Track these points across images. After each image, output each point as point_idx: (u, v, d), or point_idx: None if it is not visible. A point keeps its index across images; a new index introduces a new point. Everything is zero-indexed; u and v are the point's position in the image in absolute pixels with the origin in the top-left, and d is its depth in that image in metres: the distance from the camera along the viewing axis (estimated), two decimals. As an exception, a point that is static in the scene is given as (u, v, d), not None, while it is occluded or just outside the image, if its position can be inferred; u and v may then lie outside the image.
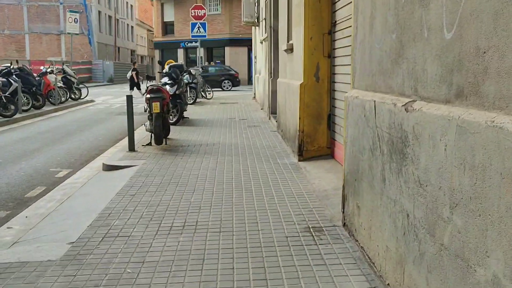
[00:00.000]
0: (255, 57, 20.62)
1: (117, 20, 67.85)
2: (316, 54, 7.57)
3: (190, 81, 19.17)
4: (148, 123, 9.40)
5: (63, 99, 19.76)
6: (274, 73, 13.08)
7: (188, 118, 14.11)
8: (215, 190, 6.14)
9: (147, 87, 9.87)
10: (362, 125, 3.94)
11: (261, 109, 16.53)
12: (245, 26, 38.91)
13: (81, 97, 21.72)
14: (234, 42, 39.39)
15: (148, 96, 9.25)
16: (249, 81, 38.70)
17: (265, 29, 14.72)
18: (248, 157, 8.27)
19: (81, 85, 22.48)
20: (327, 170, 6.85)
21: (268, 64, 13.44)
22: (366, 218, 3.83)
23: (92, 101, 22.76)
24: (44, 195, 6.65)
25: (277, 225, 4.75)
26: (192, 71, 19.65)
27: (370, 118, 3.69)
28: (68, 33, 29.31)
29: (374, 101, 3.59)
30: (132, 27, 76.95)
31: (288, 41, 9.38)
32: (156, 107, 9.02)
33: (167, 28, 43.04)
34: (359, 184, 4.06)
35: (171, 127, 12.12)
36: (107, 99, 25.00)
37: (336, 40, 7.27)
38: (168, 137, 10.55)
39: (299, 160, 7.68)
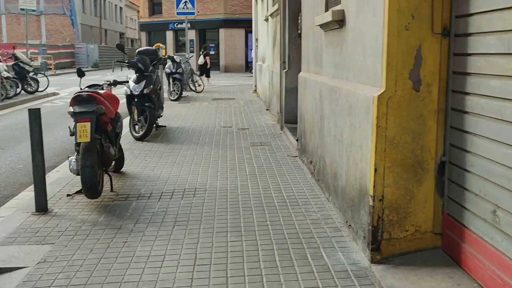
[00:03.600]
0: (257, 40, 16.35)
1: (104, 0, 63.13)
2: (415, 30, 3.37)
3: (174, 70, 14.93)
4: (73, 158, 5.16)
5: (11, 92, 15.46)
6: (290, 62, 8.84)
7: (165, 127, 9.88)
8: None
9: (81, 89, 5.66)
10: None
11: (267, 109, 12.31)
12: (242, 3, 34.54)
13: (39, 90, 17.39)
14: (230, 23, 34.92)
15: (71, 109, 5.03)
16: (247, 68, 34.40)
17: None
18: (259, 239, 4.08)
19: (39, 74, 18.12)
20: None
21: (280, 49, 9.21)
22: None
23: (54, 94, 18.42)
24: None
25: None
26: (177, 58, 15.40)
27: None
28: (22, 10, 24.72)
29: None
30: (120, 8, 72.25)
31: (327, 8, 5.17)
32: (84, 131, 4.80)
33: (155, 7, 38.45)
34: None
35: (135, 145, 7.93)
36: (76, 90, 20.64)
37: (474, -6, 3.07)
38: (122, 169, 6.41)
39: (373, 261, 3.51)
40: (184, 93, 16.25)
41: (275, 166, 6.59)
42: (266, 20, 12.60)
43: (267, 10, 12.39)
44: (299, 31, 8.53)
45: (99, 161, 5.11)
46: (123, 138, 8.64)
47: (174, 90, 14.90)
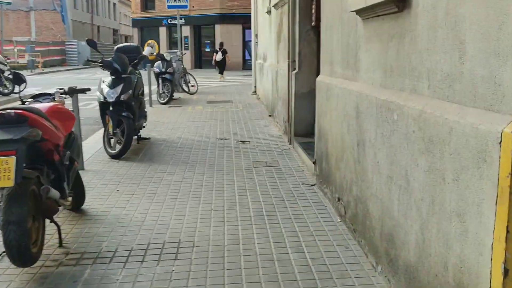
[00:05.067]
0: (256, 36, 14.71)
1: (96, -4, 61.34)
2: None
3: (163, 70, 13.27)
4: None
5: (-19, 95, 13.78)
6: (301, 62, 7.19)
7: (149, 139, 8.21)
8: None
9: (21, 99, 4.04)
10: None
11: (270, 115, 10.67)
12: (239, -1, 32.83)
13: (15, 91, 15.68)
14: (226, 18, 33.23)
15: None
16: (244, 66, 32.76)
17: (279, -13, 8.80)
18: None
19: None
20: None
21: (287, 45, 7.56)
22: None
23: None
24: None
25: None
26: (167, 55, 13.74)
27: None
28: (-3, 2, 22.99)
29: None
30: (114, 4, 70.54)
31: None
32: (6, 170, 3.13)
33: (147, 2, 36.70)
34: None
35: (108, 166, 6.29)
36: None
37: None
38: (83, 206, 4.80)
39: None
40: (176, 95, 14.62)
41: (288, 201, 4.95)
42: (268, 12, 10.96)
43: (270, 1, 10.75)
44: (313, 22, 6.91)
45: (35, 210, 3.47)
46: (95, 156, 7.03)
47: (163, 92, 13.23)
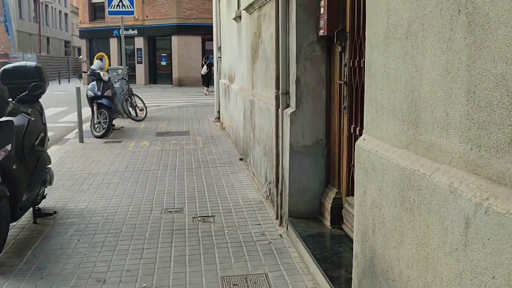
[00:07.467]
0: (220, 49, 11.83)
1: (46, 5, 57.42)
2: None
3: (99, 94, 10.23)
4: None
5: None
6: (300, 95, 4.31)
7: (54, 214, 5.16)
8: None
9: None
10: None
11: (241, 159, 7.75)
12: (198, 7, 29.93)
13: None
14: (184, 29, 30.16)
15: None
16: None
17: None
18: None
19: None
20: None
21: (277, 67, 4.67)
22: None
23: None
24: None
25: None
26: (104, 75, 10.68)
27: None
28: None
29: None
30: (66, 14, 66.60)
31: None
32: None
33: (96, 12, 33.32)
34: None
35: None
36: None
37: None
38: None
39: None
40: (119, 122, 11.59)
41: None
42: (237, 18, 8.11)
43: (239, 3, 7.94)
44: (321, 30, 4.09)
45: None
46: None
47: (99, 122, 10.14)
